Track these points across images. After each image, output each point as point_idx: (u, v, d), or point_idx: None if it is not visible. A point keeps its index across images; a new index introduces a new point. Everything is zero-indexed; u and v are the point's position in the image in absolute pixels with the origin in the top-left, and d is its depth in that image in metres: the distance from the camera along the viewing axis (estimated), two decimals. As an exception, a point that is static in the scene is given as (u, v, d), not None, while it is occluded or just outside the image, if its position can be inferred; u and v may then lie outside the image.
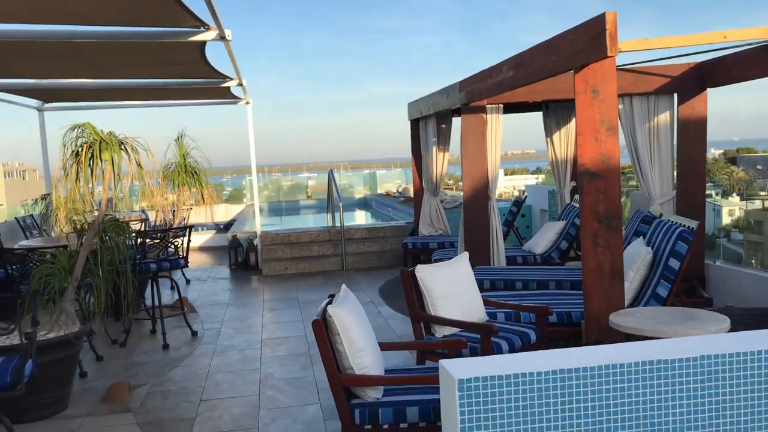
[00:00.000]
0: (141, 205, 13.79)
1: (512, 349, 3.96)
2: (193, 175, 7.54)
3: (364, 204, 18.42)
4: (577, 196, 8.26)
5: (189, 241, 6.54)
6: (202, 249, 15.01)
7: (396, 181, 20.43)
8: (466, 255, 4.50)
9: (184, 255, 6.55)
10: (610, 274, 4.50)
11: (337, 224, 11.10)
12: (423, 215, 9.74)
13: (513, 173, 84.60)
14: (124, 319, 6.34)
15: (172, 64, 6.22)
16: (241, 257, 10.52)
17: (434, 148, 9.22)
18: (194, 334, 6.54)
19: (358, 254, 10.12)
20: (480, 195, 7.27)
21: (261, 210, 10.75)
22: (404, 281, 4.21)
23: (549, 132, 8.96)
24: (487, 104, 7.22)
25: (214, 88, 8.09)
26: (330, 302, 3.46)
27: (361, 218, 16.74)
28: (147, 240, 6.61)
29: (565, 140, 8.89)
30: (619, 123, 6.97)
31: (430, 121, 9.19)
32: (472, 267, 7.22)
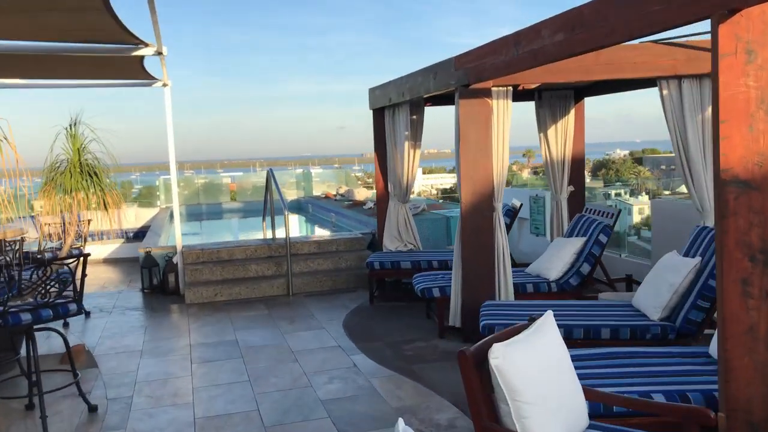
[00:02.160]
0: (39, 207, 11.30)
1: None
2: (91, 175, 5.45)
3: (297, 207, 16.43)
4: (591, 205, 6.72)
5: (84, 275, 4.47)
6: (108, 261, 12.78)
7: (330, 182, 18.57)
8: (550, 316, 2.75)
9: (77, 295, 4.47)
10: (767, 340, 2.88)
11: (279, 235, 9.18)
12: (389, 226, 7.95)
13: (431, 172, 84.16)
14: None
15: (64, 10, 4.17)
16: (157, 279, 8.40)
17: (405, 144, 7.46)
18: (92, 409, 4.48)
19: (306, 274, 8.21)
20: (482, 205, 5.57)
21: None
22: (465, 372, 2.41)
23: (543, 126, 7.40)
24: (493, 87, 5.53)
25: (122, 60, 6.00)
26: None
27: (295, 225, 14.74)
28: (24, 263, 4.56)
29: (562, 136, 7.36)
30: (663, 112, 5.48)
31: (401, 111, 7.41)
32: (476, 302, 5.54)
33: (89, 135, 5.53)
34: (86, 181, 5.38)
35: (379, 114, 8.05)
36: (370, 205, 11.62)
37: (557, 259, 5.96)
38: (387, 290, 7.68)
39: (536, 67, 4.42)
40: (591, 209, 6.48)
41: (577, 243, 5.97)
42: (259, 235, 10.07)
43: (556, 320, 4.45)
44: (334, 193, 15.75)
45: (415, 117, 7.43)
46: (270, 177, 9.23)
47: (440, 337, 5.79)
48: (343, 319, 6.66)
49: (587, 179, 9.12)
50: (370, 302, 7.23)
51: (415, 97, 6.70)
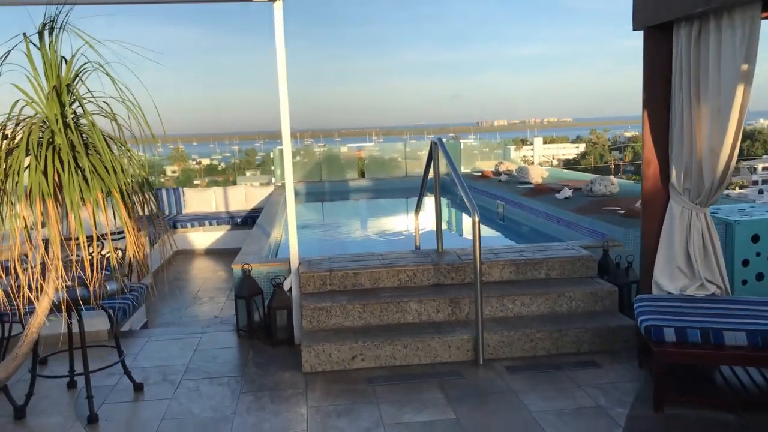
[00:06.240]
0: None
1: None
2: (83, 149, 2.26)
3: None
4: None
5: None
6: (210, 254, 10.19)
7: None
8: None
9: None
10: None
11: (447, 246, 5.80)
12: (669, 248, 4.27)
13: (552, 141, 77.68)
14: None
15: None
16: (260, 314, 5.23)
17: (737, 91, 3.72)
18: None
19: (501, 323, 4.73)
20: None
21: (295, 194, 5.37)
22: None
23: None
24: None
25: None
26: None
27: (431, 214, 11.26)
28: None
29: None
30: None
31: (728, 23, 3.67)
32: None
33: (86, 58, 2.29)
34: (74, 161, 2.18)
35: (657, 37, 4.30)
36: (568, 194, 7.91)
37: None
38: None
39: None
40: None
41: None
42: (404, 230, 6.77)
43: None
44: (491, 170, 12.14)
45: (750, 31, 3.66)
46: (437, 149, 5.82)
47: None
48: (626, 461, 3.13)
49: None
50: (656, 409, 3.63)
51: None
